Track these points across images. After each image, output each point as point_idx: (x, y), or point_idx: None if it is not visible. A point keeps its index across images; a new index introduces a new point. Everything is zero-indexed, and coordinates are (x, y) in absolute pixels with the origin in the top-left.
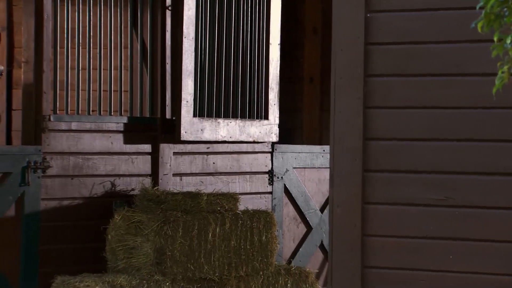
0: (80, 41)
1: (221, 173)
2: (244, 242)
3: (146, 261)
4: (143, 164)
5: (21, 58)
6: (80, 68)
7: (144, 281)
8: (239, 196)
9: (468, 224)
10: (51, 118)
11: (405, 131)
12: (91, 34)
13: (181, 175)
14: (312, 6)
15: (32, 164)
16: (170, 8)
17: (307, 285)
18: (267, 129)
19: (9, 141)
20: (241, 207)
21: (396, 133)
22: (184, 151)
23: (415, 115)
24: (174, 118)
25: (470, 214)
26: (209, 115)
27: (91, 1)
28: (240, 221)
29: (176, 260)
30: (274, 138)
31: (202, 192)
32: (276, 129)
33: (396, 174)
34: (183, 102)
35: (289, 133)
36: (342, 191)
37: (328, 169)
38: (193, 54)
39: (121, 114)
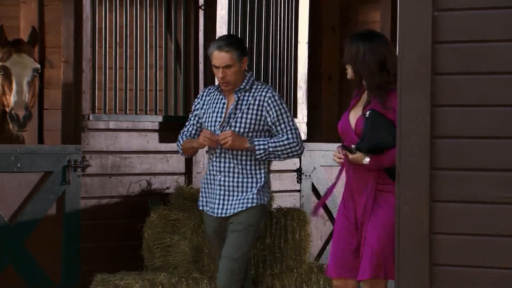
0: (117, 41)
1: None
2: (278, 240)
3: (183, 259)
4: (178, 163)
5: (60, 58)
6: (117, 68)
7: (183, 279)
8: (273, 194)
9: None
10: (90, 118)
11: (473, 129)
12: (127, 34)
13: None
14: (330, 4)
15: (72, 163)
16: (203, 7)
17: None
18: None
19: (40, 140)
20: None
21: (464, 131)
22: None
23: (483, 113)
24: None
25: None
26: None
27: (128, 1)
28: (274, 219)
29: (213, 258)
30: (303, 136)
31: None
32: (304, 127)
33: (464, 172)
34: None
35: (307, 131)
36: (409, 189)
37: None
38: None
39: (156, 113)
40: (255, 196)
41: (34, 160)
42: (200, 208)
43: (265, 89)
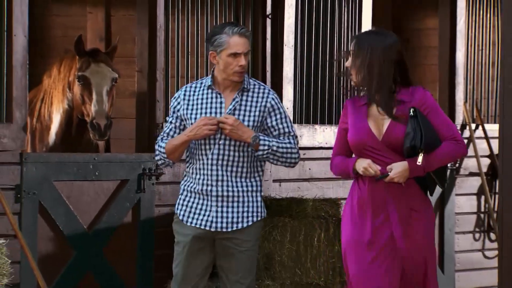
0: (189, 50)
1: (316, 179)
2: None
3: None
4: None
5: (126, 67)
6: (189, 76)
7: (256, 286)
8: (341, 201)
9: None
10: (163, 126)
11: None
12: (199, 43)
13: (280, 181)
14: (382, 11)
15: (147, 171)
16: (270, 16)
17: None
18: None
19: (107, 148)
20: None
21: None
22: None
23: None
24: None
25: None
26: (307, 122)
27: (198, 11)
28: None
29: (284, 265)
30: None
31: (305, 197)
32: None
33: None
34: None
35: None
36: None
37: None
38: (293, 61)
39: None
40: (260, 209)
41: (110, 168)
42: (180, 218)
43: (266, 89)
